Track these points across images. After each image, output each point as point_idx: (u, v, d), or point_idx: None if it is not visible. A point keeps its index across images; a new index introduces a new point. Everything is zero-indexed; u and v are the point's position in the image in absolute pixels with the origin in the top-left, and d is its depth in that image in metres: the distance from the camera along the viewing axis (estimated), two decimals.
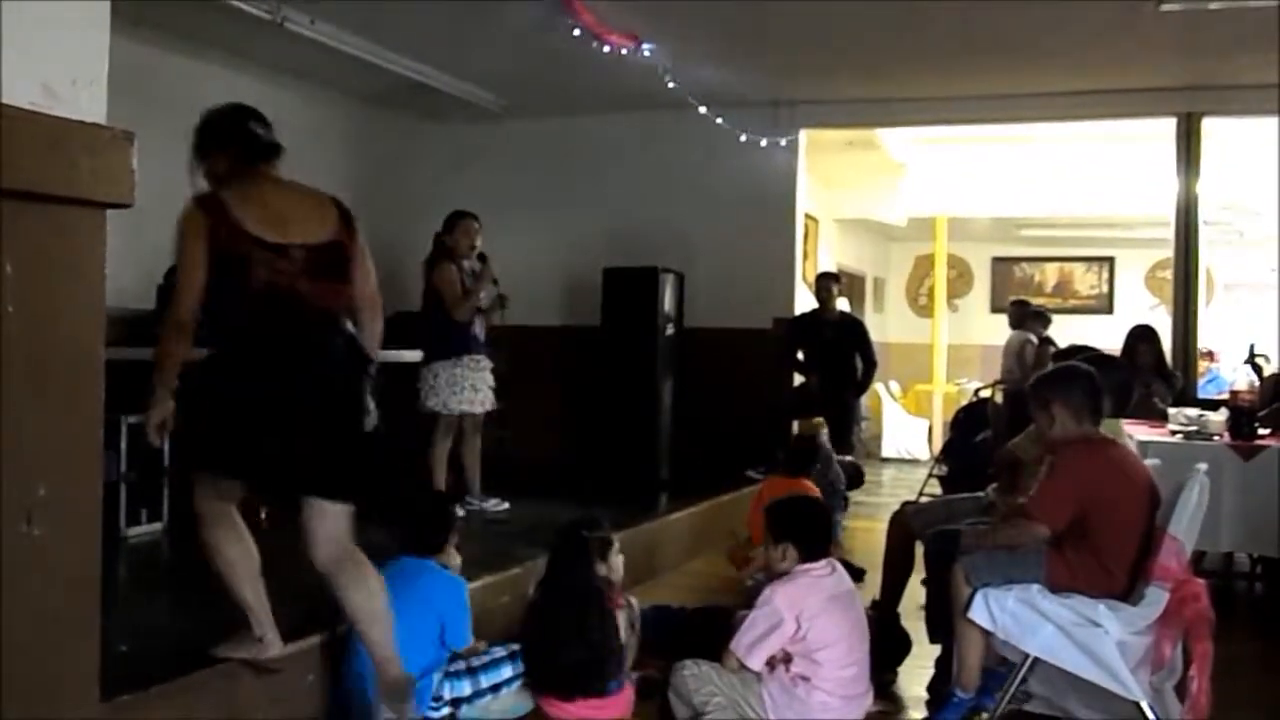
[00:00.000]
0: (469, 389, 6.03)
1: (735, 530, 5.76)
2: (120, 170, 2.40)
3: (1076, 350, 5.03)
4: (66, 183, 2.31)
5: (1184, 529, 3.29)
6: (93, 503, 2.47)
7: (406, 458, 5.68)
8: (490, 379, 6.17)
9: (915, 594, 4.64)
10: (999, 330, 10.33)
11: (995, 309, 14.82)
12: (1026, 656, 3.41)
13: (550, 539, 4.00)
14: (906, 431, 12.97)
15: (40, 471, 2.29)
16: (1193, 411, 5.63)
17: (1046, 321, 9.33)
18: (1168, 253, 8.60)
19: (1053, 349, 7.67)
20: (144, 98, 5.85)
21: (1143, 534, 3.39)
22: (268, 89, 7.61)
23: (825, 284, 8.24)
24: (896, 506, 4.95)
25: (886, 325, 14.96)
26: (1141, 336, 6.70)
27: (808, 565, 3.64)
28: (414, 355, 6.19)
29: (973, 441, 7.82)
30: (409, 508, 3.93)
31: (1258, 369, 6.94)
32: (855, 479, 7.32)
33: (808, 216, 10.09)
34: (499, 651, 3.75)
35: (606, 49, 6.89)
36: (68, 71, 2.35)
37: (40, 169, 2.25)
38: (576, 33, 6.61)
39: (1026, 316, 9.40)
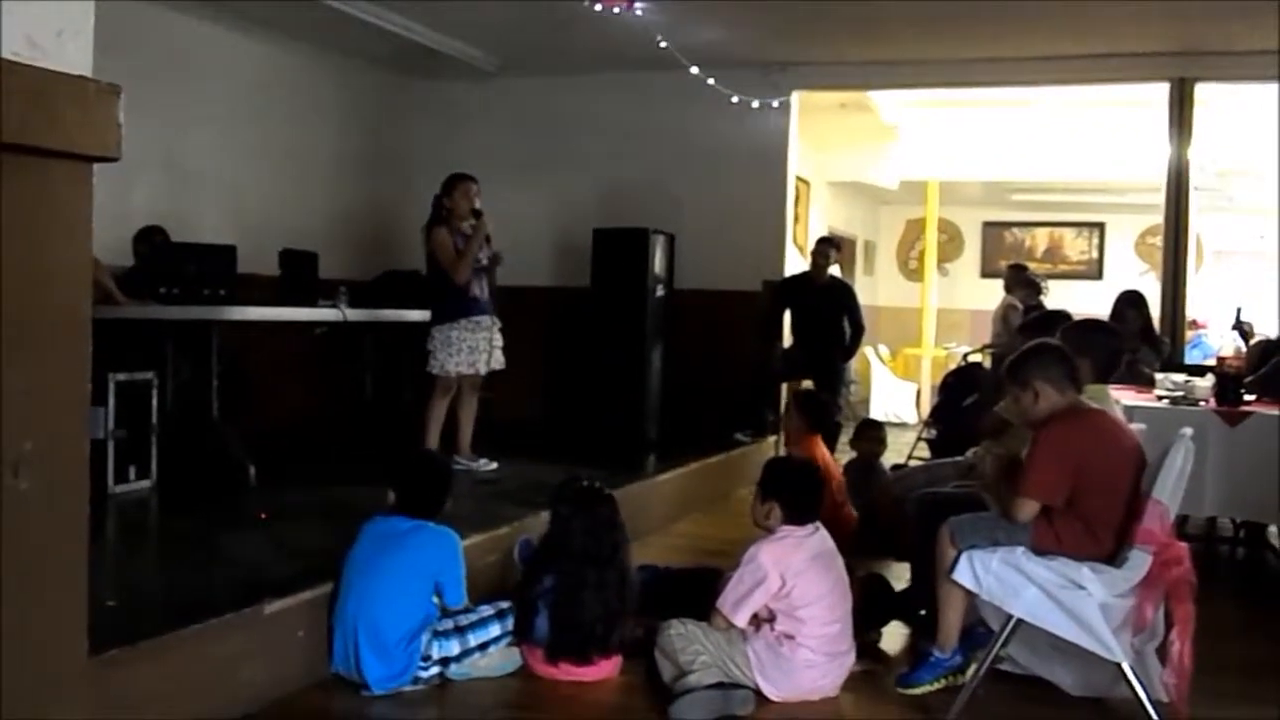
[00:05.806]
0: (465, 350, 6.03)
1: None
2: (107, 123, 2.36)
3: (1054, 316, 4.94)
4: (51, 135, 2.27)
5: (1168, 493, 3.30)
6: (80, 458, 2.45)
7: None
8: (497, 339, 6.18)
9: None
10: (988, 295, 10.32)
11: (985, 274, 14.82)
12: (1009, 619, 3.44)
13: (539, 498, 4.01)
14: (895, 395, 12.99)
15: (27, 427, 2.29)
16: (1179, 377, 5.65)
17: (1038, 289, 9.22)
18: (1158, 218, 8.59)
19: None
20: (136, 54, 5.80)
21: (1128, 499, 3.41)
22: (261, 48, 7.55)
23: (823, 249, 8.21)
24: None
25: (876, 289, 14.94)
26: (1129, 302, 6.70)
27: (792, 527, 3.67)
28: (415, 315, 6.20)
29: (961, 405, 7.83)
30: (410, 470, 3.94)
31: (1244, 335, 6.95)
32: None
33: (799, 179, 10.04)
34: (486, 610, 3.77)
35: (599, 8, 6.83)
36: (52, 23, 2.31)
37: (24, 121, 2.22)
38: None
39: (1017, 283, 9.32)
